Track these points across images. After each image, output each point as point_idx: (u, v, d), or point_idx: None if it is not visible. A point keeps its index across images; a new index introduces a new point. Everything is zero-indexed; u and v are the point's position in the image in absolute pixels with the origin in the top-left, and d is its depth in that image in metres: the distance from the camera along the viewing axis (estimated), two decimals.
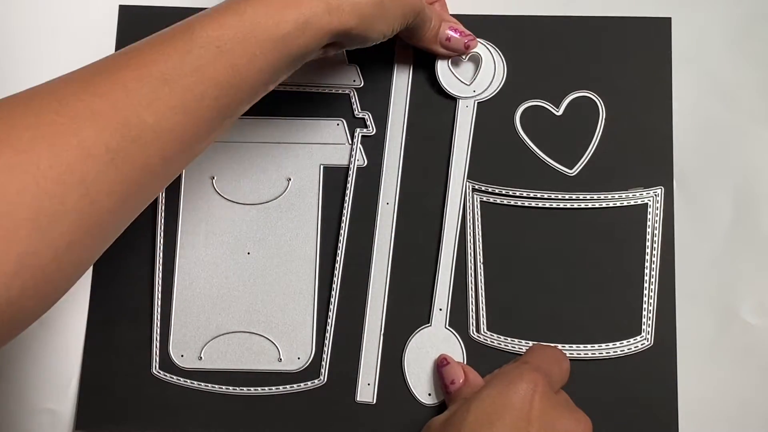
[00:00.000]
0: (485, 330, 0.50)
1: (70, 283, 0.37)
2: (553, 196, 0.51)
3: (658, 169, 0.52)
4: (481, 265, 0.51)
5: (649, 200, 0.51)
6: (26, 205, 0.33)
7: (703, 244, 0.51)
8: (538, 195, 0.51)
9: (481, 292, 0.50)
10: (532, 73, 0.53)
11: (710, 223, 0.51)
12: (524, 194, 0.51)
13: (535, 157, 0.52)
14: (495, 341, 0.50)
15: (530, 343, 0.50)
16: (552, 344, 0.49)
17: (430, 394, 0.50)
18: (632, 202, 0.51)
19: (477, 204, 0.51)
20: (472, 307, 0.50)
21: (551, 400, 0.42)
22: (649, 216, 0.51)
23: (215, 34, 0.39)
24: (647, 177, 0.52)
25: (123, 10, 0.55)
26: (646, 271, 0.50)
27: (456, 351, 0.50)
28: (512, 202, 0.51)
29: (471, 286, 0.50)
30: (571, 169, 0.52)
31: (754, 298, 0.50)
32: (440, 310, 0.50)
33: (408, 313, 0.50)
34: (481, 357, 0.50)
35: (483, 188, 0.51)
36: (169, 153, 0.38)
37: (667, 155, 0.52)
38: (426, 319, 0.50)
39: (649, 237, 0.51)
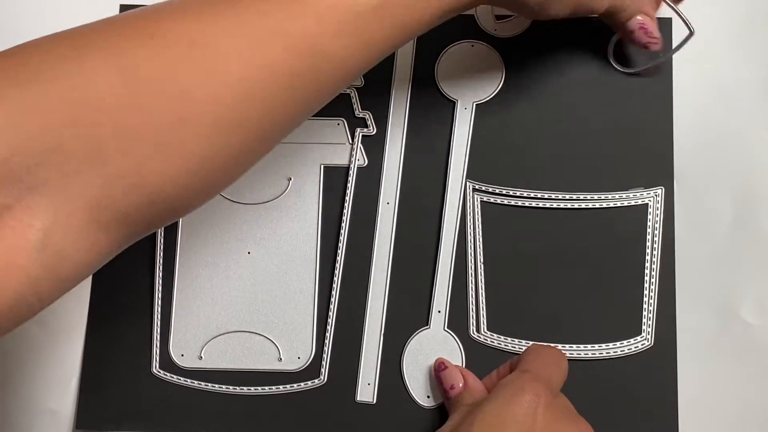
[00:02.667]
0: (485, 330, 0.50)
1: (229, 183, 0.39)
2: (553, 196, 0.51)
3: (658, 169, 0.52)
4: (481, 265, 0.51)
5: (650, 200, 0.51)
6: (211, 110, 0.34)
7: (703, 244, 0.51)
8: (539, 195, 0.51)
9: (481, 291, 0.50)
10: (532, 74, 0.53)
11: (710, 223, 0.51)
12: (524, 194, 0.51)
13: (535, 157, 0.52)
14: (495, 341, 0.50)
15: (530, 343, 0.50)
16: (551, 344, 0.49)
17: (429, 396, 0.50)
18: (632, 202, 0.51)
19: (477, 204, 0.51)
20: (472, 306, 0.50)
21: (554, 410, 0.42)
22: (649, 216, 0.51)
23: None
24: (647, 177, 0.52)
25: (123, 9, 0.55)
26: (646, 271, 0.50)
27: (455, 353, 0.50)
28: (512, 202, 0.51)
29: (471, 285, 0.50)
30: (570, 168, 0.52)
31: (754, 298, 0.50)
32: (439, 312, 0.50)
33: (408, 313, 0.50)
34: (480, 357, 0.50)
35: (483, 188, 0.51)
36: (345, 80, 0.38)
37: (667, 155, 0.52)
38: (425, 319, 0.50)
39: (649, 237, 0.51)
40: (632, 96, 0.52)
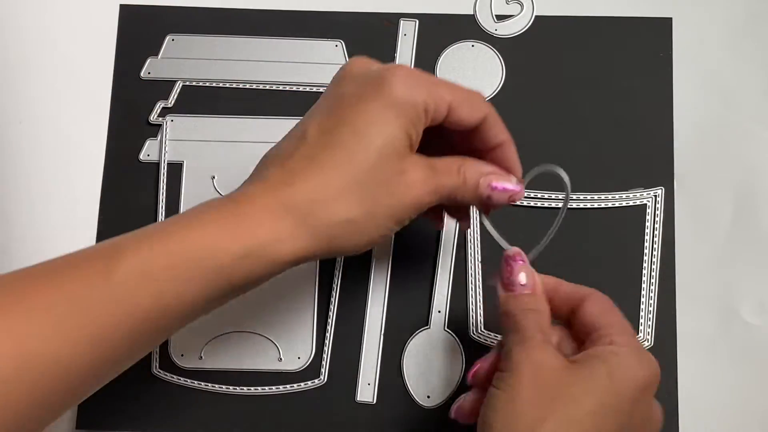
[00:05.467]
0: (482, 329, 0.50)
1: None
2: (553, 197, 0.51)
3: (658, 169, 0.52)
4: (479, 264, 0.51)
5: (649, 200, 0.51)
6: None
7: (703, 244, 0.51)
8: (539, 195, 0.51)
9: (480, 291, 0.50)
10: (532, 74, 0.53)
11: (710, 223, 0.51)
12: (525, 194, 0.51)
13: (535, 157, 0.52)
14: (495, 341, 0.50)
15: None
16: None
17: (429, 396, 0.50)
18: (632, 203, 0.51)
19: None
20: (471, 307, 0.50)
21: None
22: (648, 216, 0.51)
23: (142, 256, 0.35)
24: (647, 177, 0.52)
25: (124, 9, 0.55)
26: (645, 271, 0.50)
27: (455, 353, 0.50)
28: None
29: (471, 286, 0.50)
30: (570, 169, 0.52)
31: (754, 298, 0.50)
32: (439, 312, 0.50)
33: (408, 313, 0.50)
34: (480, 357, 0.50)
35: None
36: (75, 382, 0.34)
37: (668, 155, 0.52)
38: (425, 319, 0.50)
39: (648, 237, 0.51)
40: (632, 96, 0.52)
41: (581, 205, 0.51)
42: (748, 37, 0.53)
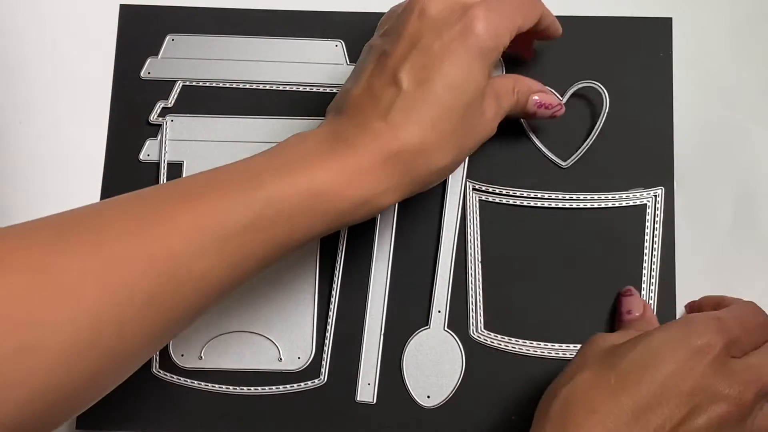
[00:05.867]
0: (482, 329, 0.50)
1: (83, 408, 0.37)
2: (553, 196, 0.51)
3: (658, 168, 0.52)
4: (480, 265, 0.51)
5: (649, 201, 0.51)
6: (61, 337, 0.33)
7: (703, 244, 0.51)
8: (538, 195, 0.51)
9: (479, 291, 0.50)
10: (532, 74, 0.53)
11: (710, 223, 0.51)
12: (524, 194, 0.51)
13: (533, 150, 0.52)
14: (495, 341, 0.50)
15: (532, 343, 0.50)
16: (557, 344, 0.50)
17: (429, 396, 0.50)
18: (632, 203, 0.51)
19: (476, 204, 0.51)
20: (471, 306, 0.50)
21: (722, 366, 0.39)
22: (648, 216, 0.51)
23: (281, 195, 0.38)
24: (647, 177, 0.52)
25: (124, 9, 0.55)
26: (645, 271, 0.50)
27: (455, 353, 0.50)
28: (512, 202, 0.51)
29: (471, 285, 0.50)
30: (564, 161, 0.52)
31: (754, 298, 0.50)
32: (439, 312, 0.50)
33: (408, 313, 0.50)
34: (480, 357, 0.50)
35: (483, 188, 0.51)
36: (209, 300, 0.38)
37: (668, 155, 0.52)
38: (425, 319, 0.50)
39: (648, 237, 0.51)
40: (632, 96, 0.52)
41: (581, 205, 0.51)
42: (749, 37, 0.53)
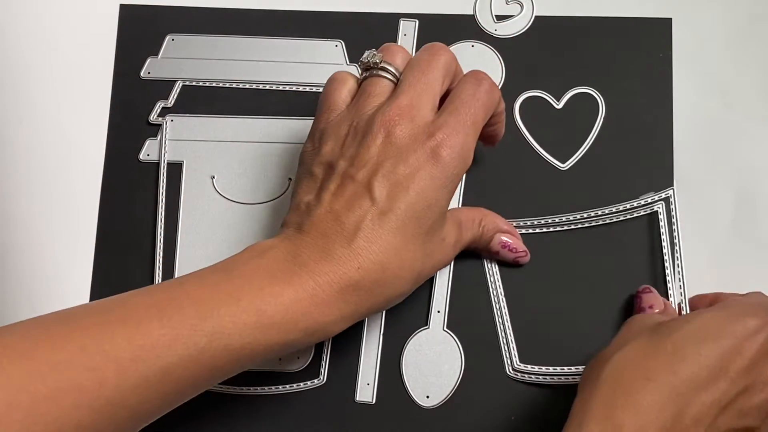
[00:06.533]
0: (518, 363, 0.49)
1: None
2: (563, 219, 0.50)
3: (658, 169, 0.52)
4: (500, 281, 0.50)
5: (660, 206, 0.50)
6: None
7: (703, 243, 0.51)
8: (549, 221, 0.50)
9: (508, 325, 0.50)
10: (532, 74, 0.53)
11: (710, 223, 0.51)
12: (534, 223, 0.51)
13: (531, 151, 0.52)
14: (533, 375, 0.49)
15: (570, 368, 0.49)
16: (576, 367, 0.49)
17: (428, 396, 0.49)
18: (643, 212, 0.50)
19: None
20: (503, 342, 0.50)
21: None
22: (662, 217, 0.50)
23: (229, 329, 0.37)
24: (647, 177, 0.51)
25: (124, 9, 0.55)
26: (669, 272, 0.49)
27: (454, 353, 0.50)
28: (522, 231, 0.50)
29: (499, 321, 0.50)
30: (563, 163, 0.52)
31: None
32: (438, 312, 0.50)
33: (407, 313, 0.50)
34: (480, 357, 0.50)
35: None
36: (147, 422, 0.38)
37: (668, 155, 0.52)
38: (424, 319, 0.50)
39: (666, 239, 0.49)
40: (632, 96, 0.52)
41: (592, 223, 0.50)
42: (748, 38, 0.53)
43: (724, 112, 0.53)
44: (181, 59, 0.54)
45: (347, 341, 0.50)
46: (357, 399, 0.50)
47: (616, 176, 0.52)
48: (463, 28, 0.54)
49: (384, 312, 0.50)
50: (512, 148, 0.52)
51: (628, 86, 0.53)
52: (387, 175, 0.40)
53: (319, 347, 0.50)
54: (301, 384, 0.50)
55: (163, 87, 0.54)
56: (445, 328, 0.50)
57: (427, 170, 0.40)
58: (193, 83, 0.54)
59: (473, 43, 0.54)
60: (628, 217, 0.51)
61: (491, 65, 0.53)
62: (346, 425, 0.49)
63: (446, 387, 0.49)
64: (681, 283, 0.49)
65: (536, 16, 0.54)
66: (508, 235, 0.48)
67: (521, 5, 0.54)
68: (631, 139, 0.52)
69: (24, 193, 0.53)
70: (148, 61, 0.54)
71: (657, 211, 0.50)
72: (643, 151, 0.52)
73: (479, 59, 0.53)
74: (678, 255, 0.49)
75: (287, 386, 0.50)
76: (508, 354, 0.49)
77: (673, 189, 0.51)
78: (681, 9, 0.54)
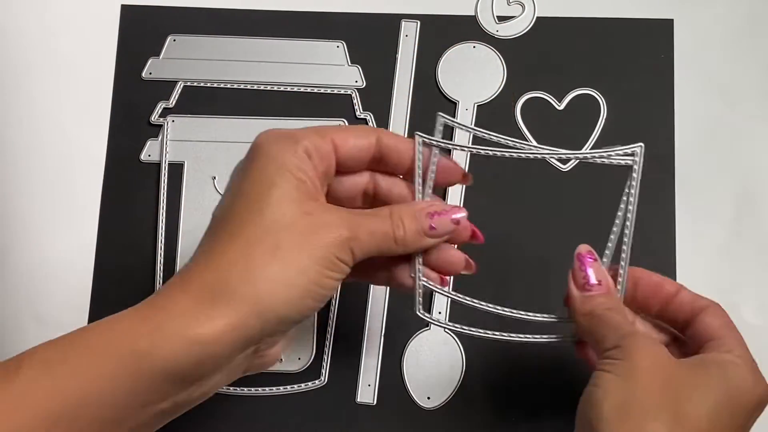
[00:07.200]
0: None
1: None
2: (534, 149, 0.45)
3: (659, 169, 0.51)
4: None
5: (633, 161, 0.43)
6: None
7: (704, 243, 0.51)
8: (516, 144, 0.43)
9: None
10: (533, 75, 0.53)
11: (711, 223, 0.51)
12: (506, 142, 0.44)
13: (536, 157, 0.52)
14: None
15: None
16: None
17: (429, 398, 0.49)
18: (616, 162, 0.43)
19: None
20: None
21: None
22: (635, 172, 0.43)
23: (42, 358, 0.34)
24: (647, 177, 0.51)
25: (125, 9, 0.55)
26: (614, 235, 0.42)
27: (455, 354, 0.50)
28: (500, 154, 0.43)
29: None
30: (564, 164, 0.52)
31: (754, 298, 0.50)
32: (440, 313, 0.50)
33: (408, 314, 0.50)
34: (480, 357, 0.50)
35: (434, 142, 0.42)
36: None
37: (668, 156, 0.52)
38: (425, 321, 0.50)
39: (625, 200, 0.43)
40: (633, 97, 0.52)
41: (569, 158, 0.46)
42: (749, 39, 0.53)
43: (724, 113, 0.53)
44: (183, 60, 0.54)
45: (348, 342, 0.50)
46: (358, 400, 0.50)
47: (617, 178, 0.52)
48: (465, 29, 0.54)
49: (385, 313, 0.50)
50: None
51: (629, 87, 0.53)
52: None
53: (319, 348, 0.50)
54: (303, 385, 0.50)
55: (164, 87, 0.54)
56: (445, 330, 0.50)
57: (248, 168, 0.39)
58: (195, 84, 0.54)
59: (474, 44, 0.54)
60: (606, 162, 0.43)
61: (492, 66, 0.53)
62: (347, 426, 0.49)
63: (447, 388, 0.49)
64: (626, 246, 0.42)
65: (538, 17, 0.54)
66: (432, 206, 0.39)
67: (523, 6, 0.54)
68: (632, 140, 0.52)
69: (25, 193, 0.53)
70: (150, 61, 0.54)
71: (632, 167, 0.43)
72: (644, 151, 0.52)
73: (480, 60, 0.53)
74: (630, 217, 0.43)
75: (288, 387, 0.50)
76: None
77: (641, 146, 0.43)
78: (682, 10, 0.54)
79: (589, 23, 0.54)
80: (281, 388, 0.50)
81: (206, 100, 0.54)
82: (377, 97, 0.53)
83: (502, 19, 0.54)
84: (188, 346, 0.34)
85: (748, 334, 0.50)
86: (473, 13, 0.54)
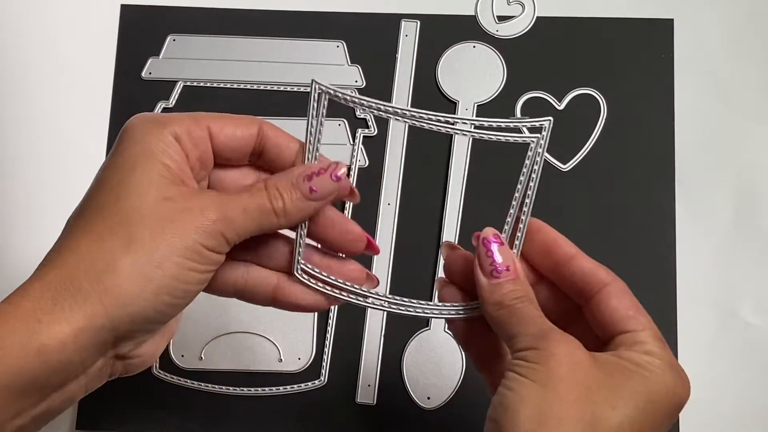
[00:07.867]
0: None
1: None
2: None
3: (659, 169, 0.52)
4: None
5: (535, 139, 0.39)
6: None
7: (704, 243, 0.51)
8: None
9: None
10: (533, 75, 0.53)
11: (710, 223, 0.51)
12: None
13: None
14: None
15: None
16: None
17: (429, 398, 0.49)
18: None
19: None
20: None
21: None
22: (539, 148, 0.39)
23: None
24: (648, 177, 0.52)
25: (125, 9, 0.55)
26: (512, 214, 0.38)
27: (455, 354, 0.50)
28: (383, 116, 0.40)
29: None
30: (564, 164, 0.52)
31: (754, 298, 0.50)
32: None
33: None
34: None
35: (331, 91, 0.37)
36: None
37: (669, 155, 0.52)
38: (425, 320, 0.50)
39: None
40: (633, 97, 0.52)
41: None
42: (749, 39, 0.53)
43: (724, 113, 0.53)
44: (182, 59, 0.54)
45: (348, 343, 0.50)
46: (358, 400, 0.50)
47: (617, 177, 0.52)
48: (465, 28, 0.54)
49: (385, 313, 0.50)
50: (513, 148, 0.52)
51: (629, 87, 0.53)
52: None
53: (319, 348, 0.50)
54: (303, 385, 0.50)
55: (164, 87, 0.54)
56: (446, 330, 0.50)
57: (113, 156, 0.35)
58: (194, 83, 0.54)
59: (474, 44, 0.54)
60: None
61: (492, 66, 0.53)
62: (347, 426, 0.49)
63: (447, 388, 0.49)
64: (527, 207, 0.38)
65: (538, 17, 0.54)
66: (309, 168, 0.35)
67: (523, 6, 0.54)
68: (632, 139, 0.52)
69: (25, 192, 0.53)
70: (149, 61, 0.54)
71: (530, 144, 0.39)
72: (645, 151, 0.52)
73: (480, 60, 0.53)
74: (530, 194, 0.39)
75: (288, 387, 0.50)
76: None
77: (549, 120, 0.39)
78: (682, 10, 0.54)
79: (589, 23, 0.54)
80: (281, 388, 0.50)
81: (206, 100, 0.54)
82: (377, 97, 0.52)
83: (502, 18, 0.54)
84: (30, 357, 0.30)
85: (748, 333, 0.50)
86: (473, 13, 0.54)
